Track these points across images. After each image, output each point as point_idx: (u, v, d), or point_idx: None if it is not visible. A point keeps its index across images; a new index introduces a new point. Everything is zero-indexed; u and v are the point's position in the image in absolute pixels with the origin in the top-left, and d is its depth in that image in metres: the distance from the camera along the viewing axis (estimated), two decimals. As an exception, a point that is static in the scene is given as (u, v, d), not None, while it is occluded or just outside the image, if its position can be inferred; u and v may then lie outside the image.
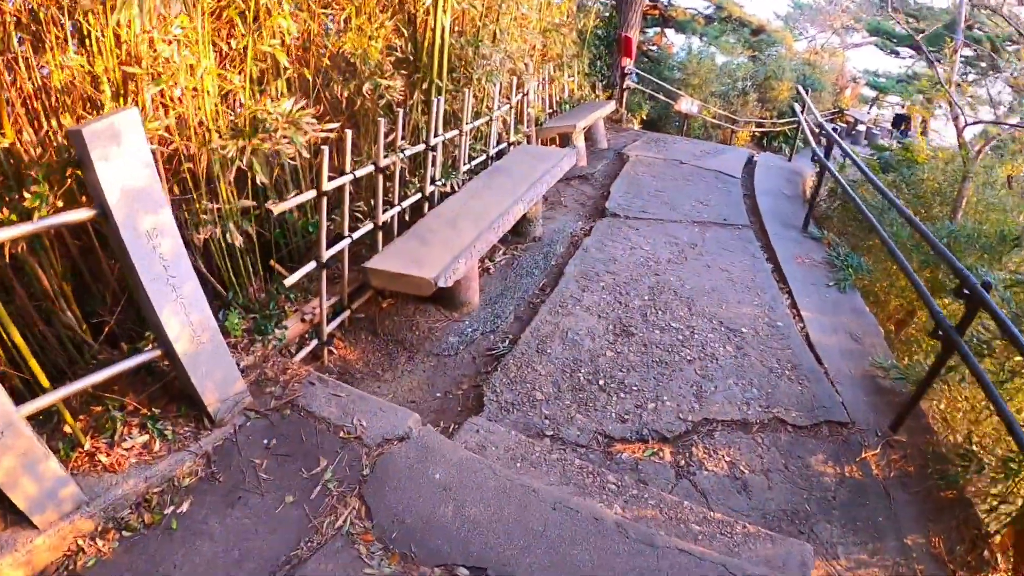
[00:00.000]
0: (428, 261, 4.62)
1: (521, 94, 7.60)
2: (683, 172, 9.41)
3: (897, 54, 32.99)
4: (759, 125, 18.93)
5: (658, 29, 24.43)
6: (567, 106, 10.06)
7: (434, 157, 5.60)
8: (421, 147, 5.30)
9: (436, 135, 5.46)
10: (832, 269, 6.81)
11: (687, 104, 14.18)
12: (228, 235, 3.91)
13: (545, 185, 6.23)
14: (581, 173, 8.86)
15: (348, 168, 4.35)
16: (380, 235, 5.00)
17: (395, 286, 4.66)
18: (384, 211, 5.07)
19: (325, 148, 3.95)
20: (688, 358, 4.95)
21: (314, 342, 4.67)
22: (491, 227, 5.14)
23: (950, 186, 8.83)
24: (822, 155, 7.61)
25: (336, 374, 4.71)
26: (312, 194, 4.13)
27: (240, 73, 4.03)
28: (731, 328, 5.39)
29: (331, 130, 4.09)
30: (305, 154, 4.00)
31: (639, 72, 14.16)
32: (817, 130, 12.23)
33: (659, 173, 9.16)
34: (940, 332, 4.19)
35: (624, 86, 12.76)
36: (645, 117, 14.45)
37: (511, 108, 7.08)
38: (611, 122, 12.61)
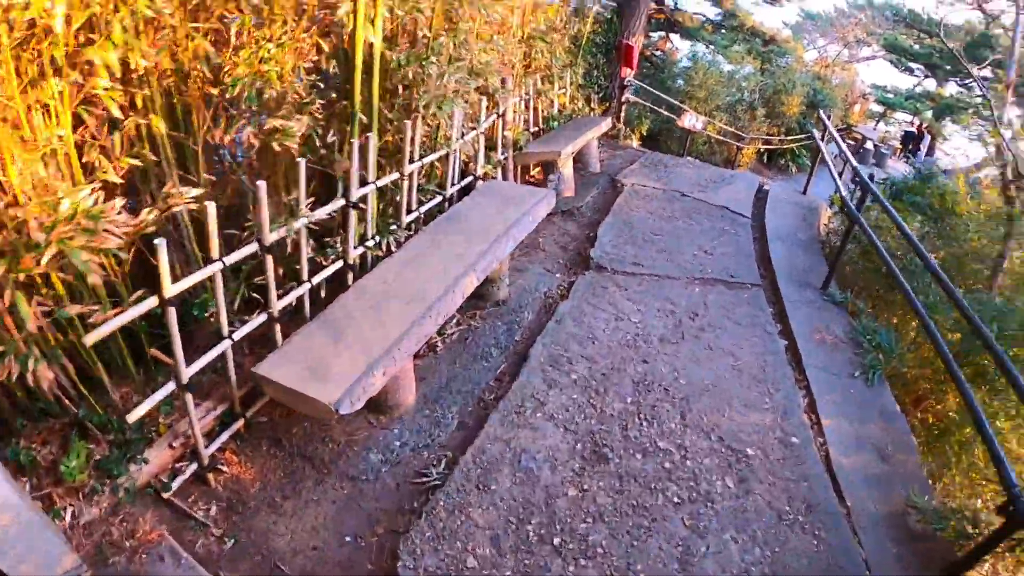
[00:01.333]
0: (334, 371, 3.40)
1: (494, 115, 6.37)
2: (685, 207, 8.19)
3: (911, 71, 32.10)
4: (767, 142, 17.75)
5: (663, 33, 23.28)
6: (556, 123, 8.82)
7: (362, 212, 4.40)
8: (339, 203, 4.10)
9: (362, 185, 4.26)
10: (857, 350, 5.63)
11: (691, 119, 12.95)
12: (33, 371, 2.73)
13: (512, 242, 4.97)
14: (566, 207, 7.61)
15: (216, 252, 3.14)
16: (278, 327, 3.80)
17: (292, 403, 3.49)
18: (291, 290, 3.89)
19: (161, 243, 2.73)
20: (676, 499, 3.76)
21: (194, 466, 3.51)
22: (428, 314, 3.88)
23: (990, 244, 7.64)
24: (853, 206, 6.40)
25: (224, 504, 3.55)
26: (148, 304, 2.91)
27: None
28: (734, 448, 4.20)
29: (193, 199, 2.91)
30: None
31: (641, 84, 12.93)
32: (843, 167, 11.10)
33: (657, 209, 7.93)
34: (1011, 508, 3.07)
35: (623, 99, 11.50)
36: (645, 133, 13.20)
37: (479, 134, 5.85)
38: (607, 139, 11.38)
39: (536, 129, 8.29)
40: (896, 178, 10.37)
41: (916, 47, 30.06)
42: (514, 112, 7.26)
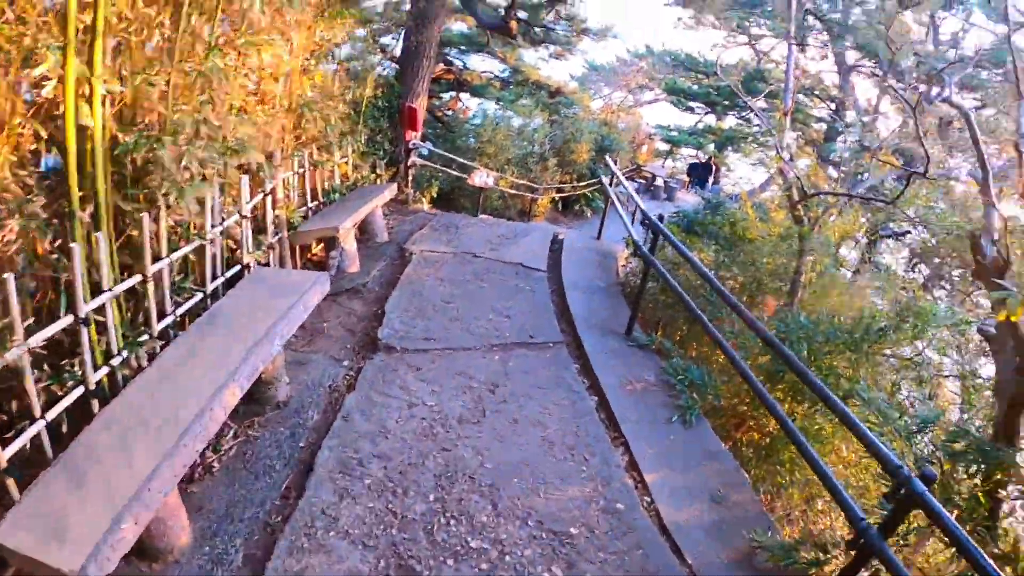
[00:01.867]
0: (75, 529, 2.79)
1: (261, 194, 5.90)
2: (478, 269, 8.00)
3: (692, 110, 34.41)
4: (560, 190, 18.17)
5: (453, 93, 23.48)
6: (337, 195, 8.40)
7: (101, 324, 3.82)
8: (66, 320, 3.51)
9: (97, 294, 3.69)
10: (671, 392, 5.63)
11: (481, 177, 12.94)
12: None
13: (279, 339, 4.46)
14: (352, 284, 7.16)
15: None
16: (10, 481, 3.15)
17: (38, 573, 2.84)
18: (23, 431, 3.27)
19: None
20: (499, 606, 3.43)
21: None
22: (183, 442, 3.31)
23: (787, 261, 7.98)
24: (646, 249, 6.43)
25: None
26: None
27: None
28: (556, 531, 3.93)
29: None
30: None
31: (430, 146, 12.79)
32: (634, 211, 11.48)
33: (448, 274, 7.67)
34: (862, 540, 3.03)
35: (410, 163, 11.29)
36: (435, 195, 13.05)
37: (244, 218, 5.36)
38: (397, 203, 11.11)
39: (316, 203, 7.85)
40: (687, 210, 10.81)
41: (695, 87, 32.43)
42: (286, 188, 6.78)
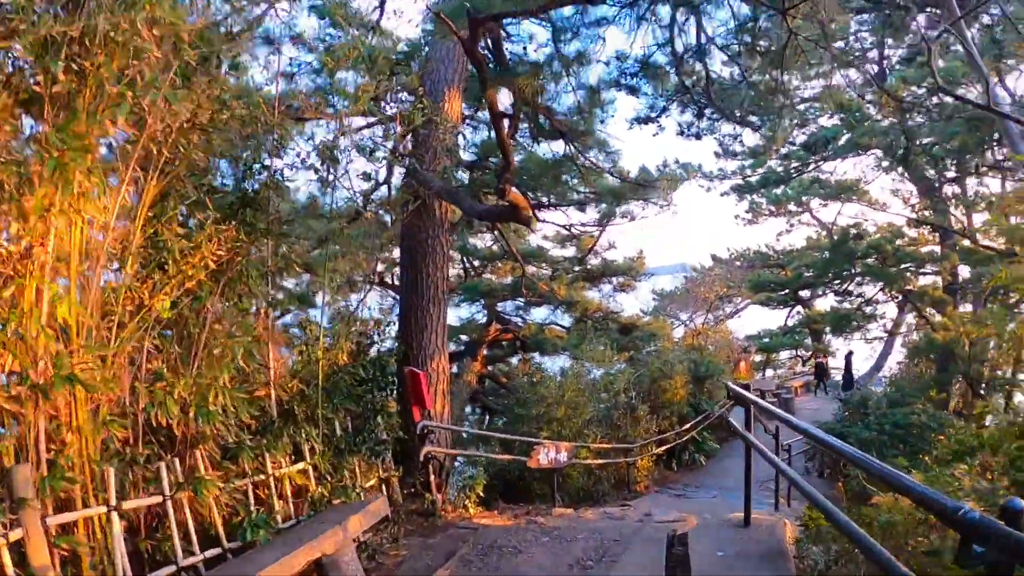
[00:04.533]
0: None
1: None
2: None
3: (785, 304, 32.02)
4: (661, 443, 14.48)
5: (520, 356, 20.86)
6: (262, 533, 4.94)
7: None
8: None
9: None
10: None
11: (548, 455, 9.40)
12: None
13: None
14: None
15: None
16: None
17: None
18: None
19: None
20: None
21: None
22: None
23: None
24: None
25: None
26: None
27: None
28: None
29: None
30: None
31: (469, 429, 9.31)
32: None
33: None
34: None
35: (425, 455, 7.70)
36: (482, 493, 9.08)
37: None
38: (419, 516, 7.52)
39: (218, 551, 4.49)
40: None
41: (782, 277, 30.52)
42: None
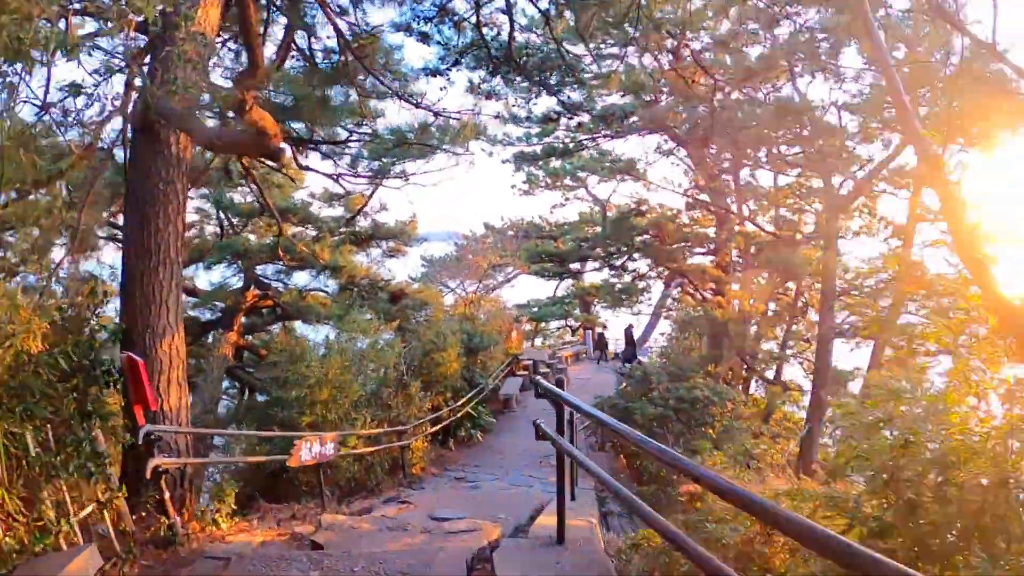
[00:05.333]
0: None
1: None
2: None
3: (561, 276, 32.57)
4: (436, 421, 13.49)
5: (279, 325, 19.02)
6: None
7: None
8: None
9: None
10: None
11: (311, 450, 7.98)
12: None
13: None
14: None
15: None
16: None
17: None
18: None
19: None
20: None
21: None
22: None
23: None
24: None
25: None
26: None
27: None
28: None
29: None
30: None
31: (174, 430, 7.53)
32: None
33: None
34: None
35: (153, 468, 5.86)
36: (235, 506, 7.47)
37: None
38: (154, 547, 5.89)
39: None
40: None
41: (557, 248, 31.65)
42: None
